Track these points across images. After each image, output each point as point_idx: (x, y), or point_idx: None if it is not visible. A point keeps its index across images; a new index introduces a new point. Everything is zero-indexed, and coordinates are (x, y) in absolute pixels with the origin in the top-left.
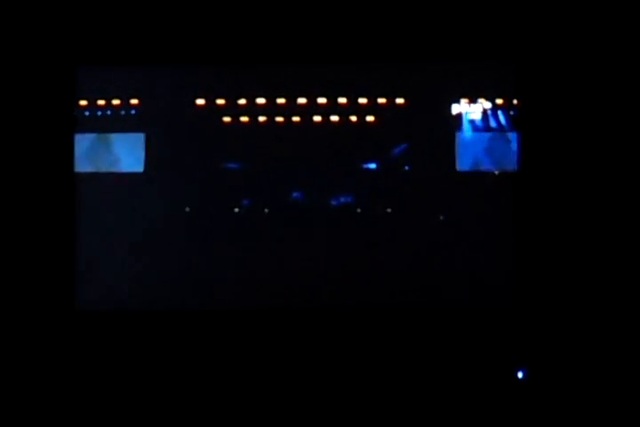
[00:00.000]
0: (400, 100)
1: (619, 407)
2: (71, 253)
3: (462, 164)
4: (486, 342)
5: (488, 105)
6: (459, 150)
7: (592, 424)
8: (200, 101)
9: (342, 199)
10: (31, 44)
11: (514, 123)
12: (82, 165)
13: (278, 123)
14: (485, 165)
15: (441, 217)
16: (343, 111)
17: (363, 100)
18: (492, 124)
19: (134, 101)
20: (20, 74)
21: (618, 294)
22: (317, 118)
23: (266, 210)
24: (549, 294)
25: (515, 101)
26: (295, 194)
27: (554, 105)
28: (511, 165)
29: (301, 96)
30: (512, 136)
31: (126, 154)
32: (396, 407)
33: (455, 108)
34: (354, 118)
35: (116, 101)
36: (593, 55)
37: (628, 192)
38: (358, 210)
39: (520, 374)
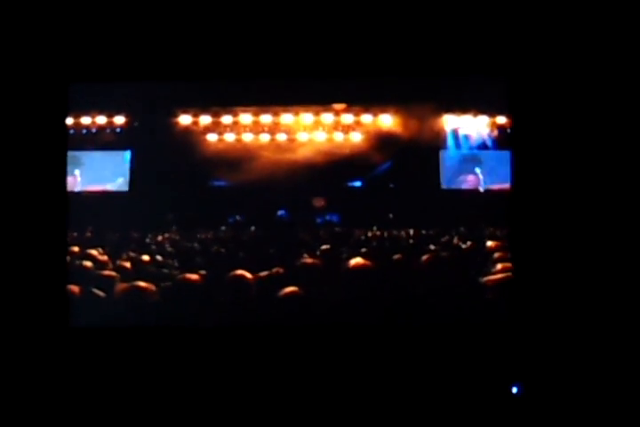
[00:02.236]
0: (385, 117)
1: (614, 421)
2: (64, 269)
3: (447, 181)
4: (481, 358)
5: (475, 122)
6: (444, 168)
7: None
8: (185, 119)
9: (327, 217)
10: (22, 60)
11: (506, 140)
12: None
13: (263, 140)
14: (470, 183)
15: (428, 233)
16: (328, 129)
17: (348, 118)
18: (479, 141)
19: (120, 119)
20: (11, 90)
21: (613, 309)
22: (302, 136)
23: (252, 228)
24: (544, 309)
25: (501, 119)
26: (280, 212)
27: (546, 122)
28: (498, 182)
29: (286, 113)
30: (498, 154)
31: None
32: (391, 423)
33: (441, 126)
34: (339, 136)
35: (101, 119)
36: (586, 71)
37: (622, 208)
38: (344, 228)
39: (515, 390)
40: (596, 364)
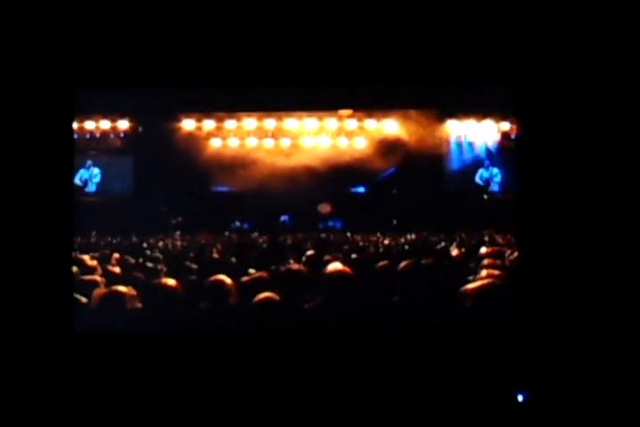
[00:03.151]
0: (389, 123)
1: None
2: (69, 276)
3: (451, 187)
4: (486, 364)
5: (479, 128)
6: (447, 173)
7: None
8: (188, 124)
9: (330, 223)
10: (29, 65)
11: (509, 146)
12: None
13: (267, 146)
14: (474, 187)
15: (432, 239)
16: (332, 134)
17: (352, 123)
18: (482, 147)
19: (124, 124)
20: (18, 95)
21: (618, 316)
22: (306, 141)
23: (255, 233)
24: (550, 315)
25: (505, 125)
26: (284, 217)
27: (552, 127)
28: (502, 187)
29: (290, 118)
30: (502, 160)
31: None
32: None
33: (445, 131)
34: (343, 141)
35: (105, 124)
36: (591, 76)
37: (628, 213)
38: (348, 234)
39: (520, 397)
40: (600, 371)
